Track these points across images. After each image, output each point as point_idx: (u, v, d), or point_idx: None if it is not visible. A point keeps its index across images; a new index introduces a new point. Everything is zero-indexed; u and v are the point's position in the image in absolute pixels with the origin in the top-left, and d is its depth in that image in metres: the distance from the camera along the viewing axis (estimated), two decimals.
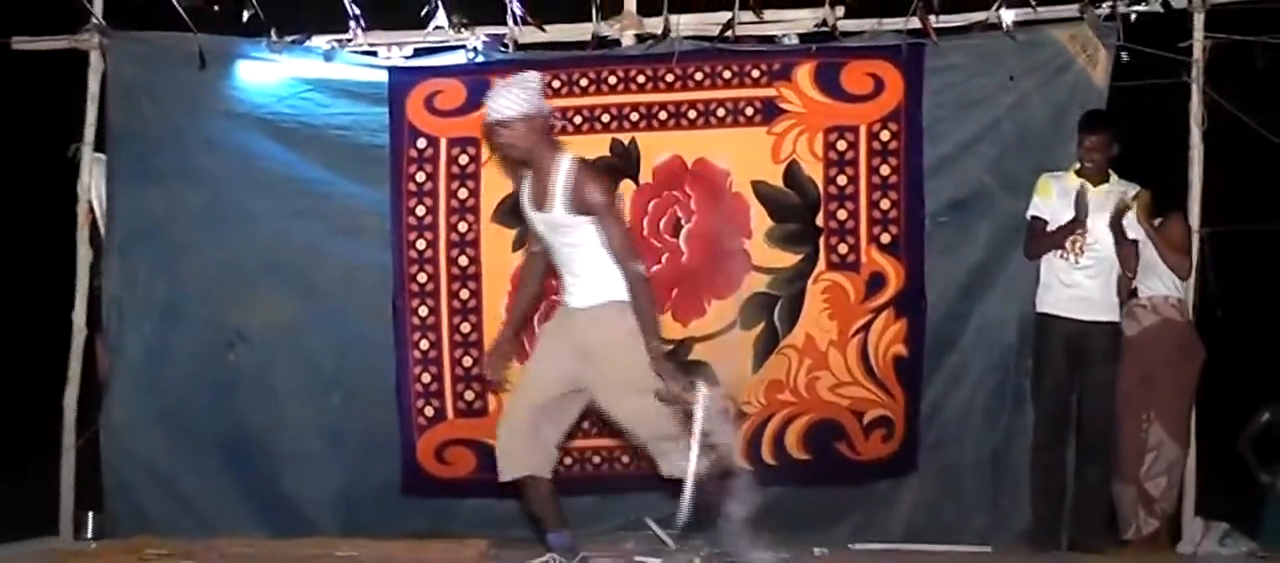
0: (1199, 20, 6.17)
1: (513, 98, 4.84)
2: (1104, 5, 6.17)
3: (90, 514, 6.48)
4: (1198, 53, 6.17)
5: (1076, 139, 6.01)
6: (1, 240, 10.03)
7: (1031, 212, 6.05)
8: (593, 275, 4.96)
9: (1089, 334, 5.94)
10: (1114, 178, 6.00)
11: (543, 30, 6.40)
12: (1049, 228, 6.00)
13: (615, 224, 4.93)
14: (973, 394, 6.28)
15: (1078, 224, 5.89)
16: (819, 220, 6.27)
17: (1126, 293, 6.05)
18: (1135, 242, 5.93)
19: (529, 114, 4.85)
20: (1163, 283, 5.98)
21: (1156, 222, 5.98)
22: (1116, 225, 5.88)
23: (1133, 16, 6.18)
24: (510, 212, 6.09)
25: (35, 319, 7.36)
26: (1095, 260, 5.93)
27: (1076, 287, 5.96)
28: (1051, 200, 6.00)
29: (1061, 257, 5.98)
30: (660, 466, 5.05)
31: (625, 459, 6.16)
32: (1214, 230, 6.16)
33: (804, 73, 6.29)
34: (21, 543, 6.11)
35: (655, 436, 5.01)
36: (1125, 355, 6.01)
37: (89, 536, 6.43)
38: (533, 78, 4.91)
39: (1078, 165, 6.02)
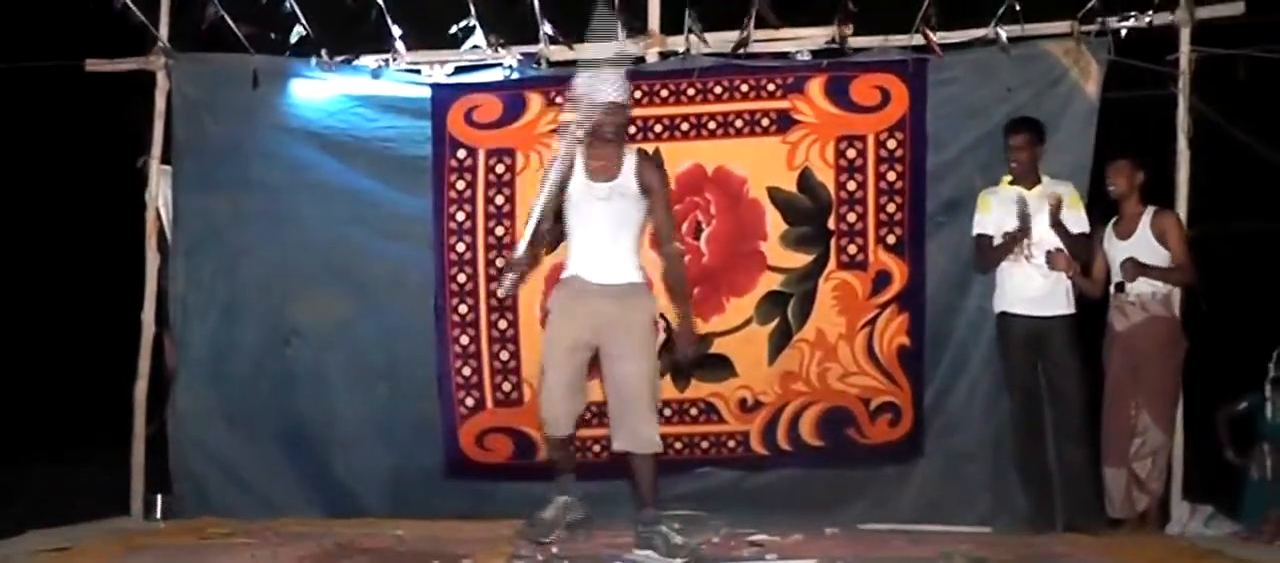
0: (1185, 35, 6.22)
1: (624, 86, 5.23)
2: (1096, 21, 6.23)
3: (159, 497, 6.61)
4: (1185, 65, 6.22)
5: (1004, 145, 6.10)
6: (77, 247, 10.19)
7: (976, 229, 6.15)
8: (624, 254, 5.27)
9: (1046, 329, 6.02)
10: (1046, 179, 6.08)
11: (572, 49, 6.50)
12: (995, 241, 6.08)
13: (668, 204, 5.37)
14: (973, 384, 6.38)
15: (1023, 233, 5.98)
16: (830, 223, 6.39)
17: (1096, 293, 6.17)
18: (1083, 234, 6.02)
19: (630, 102, 5.32)
20: (1149, 281, 6.03)
21: (1150, 214, 6.06)
22: (1057, 223, 5.95)
23: (1123, 32, 6.26)
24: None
25: (108, 319, 7.43)
26: (1044, 260, 6.01)
27: (1028, 286, 6.04)
28: (992, 214, 6.11)
29: (1013, 259, 6.05)
30: (617, 437, 5.28)
31: None
32: (1201, 231, 6.22)
33: (816, 86, 6.43)
34: (96, 523, 6.21)
35: (638, 402, 5.21)
36: (1114, 348, 6.11)
37: (158, 516, 6.56)
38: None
39: (1010, 177, 6.11)
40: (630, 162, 5.30)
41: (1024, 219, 5.97)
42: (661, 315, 5.52)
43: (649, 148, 6.39)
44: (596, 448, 6.02)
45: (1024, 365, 6.11)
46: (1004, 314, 6.14)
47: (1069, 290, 6.09)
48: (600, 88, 5.18)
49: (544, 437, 5.48)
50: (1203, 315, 6.29)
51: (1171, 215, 6.11)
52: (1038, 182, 6.09)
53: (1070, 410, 6.07)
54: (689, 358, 5.56)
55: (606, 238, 5.28)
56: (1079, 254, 6.05)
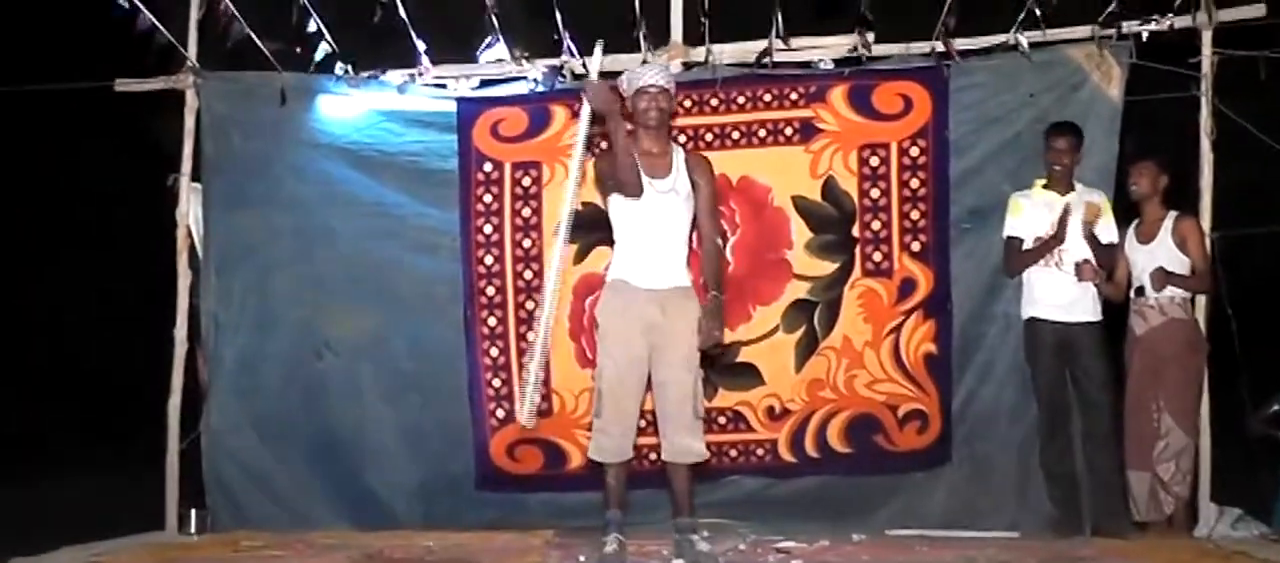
0: (1207, 37, 6.21)
1: (666, 74, 5.27)
2: (1118, 26, 6.19)
3: (193, 510, 6.58)
4: (1207, 68, 6.20)
5: (1044, 148, 6.09)
6: (109, 265, 10.25)
7: (1006, 232, 6.14)
8: (676, 256, 5.27)
9: (1075, 335, 6.01)
10: (1079, 187, 6.07)
11: (601, 56, 6.40)
12: (1025, 244, 6.07)
13: (714, 202, 5.39)
14: (1000, 390, 6.35)
15: (1058, 240, 5.97)
16: (854, 231, 6.38)
17: (1118, 297, 6.13)
18: (1112, 244, 6.02)
19: (673, 89, 5.32)
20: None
21: (1172, 219, 6.05)
22: (1090, 234, 5.95)
23: (1145, 35, 6.23)
24: (571, 227, 6.31)
25: (141, 335, 7.44)
26: (1073, 266, 6.00)
27: (1058, 292, 6.03)
28: (1023, 217, 6.10)
29: (1042, 265, 6.05)
30: (666, 446, 5.27)
31: None
32: (1224, 233, 6.18)
33: (838, 94, 6.41)
34: (132, 537, 6.24)
35: (682, 412, 5.21)
36: (1135, 352, 6.10)
37: (192, 530, 6.53)
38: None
39: (1044, 180, 6.10)
40: (680, 158, 5.32)
41: (1063, 226, 5.95)
42: None
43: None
44: (652, 456, 5.88)
45: (1052, 371, 6.08)
46: (1033, 320, 6.12)
47: (1097, 297, 6.08)
48: (642, 74, 5.23)
49: (601, 466, 5.36)
50: (1228, 319, 6.22)
51: (1193, 222, 6.09)
52: (1072, 188, 6.07)
53: (1099, 416, 6.05)
54: (715, 342, 5.33)
55: (658, 238, 5.25)
56: (1106, 263, 6.05)
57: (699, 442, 5.26)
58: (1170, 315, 6.04)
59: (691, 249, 5.40)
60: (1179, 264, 6.03)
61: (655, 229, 5.24)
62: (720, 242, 5.44)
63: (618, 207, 5.29)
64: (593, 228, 6.07)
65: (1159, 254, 6.05)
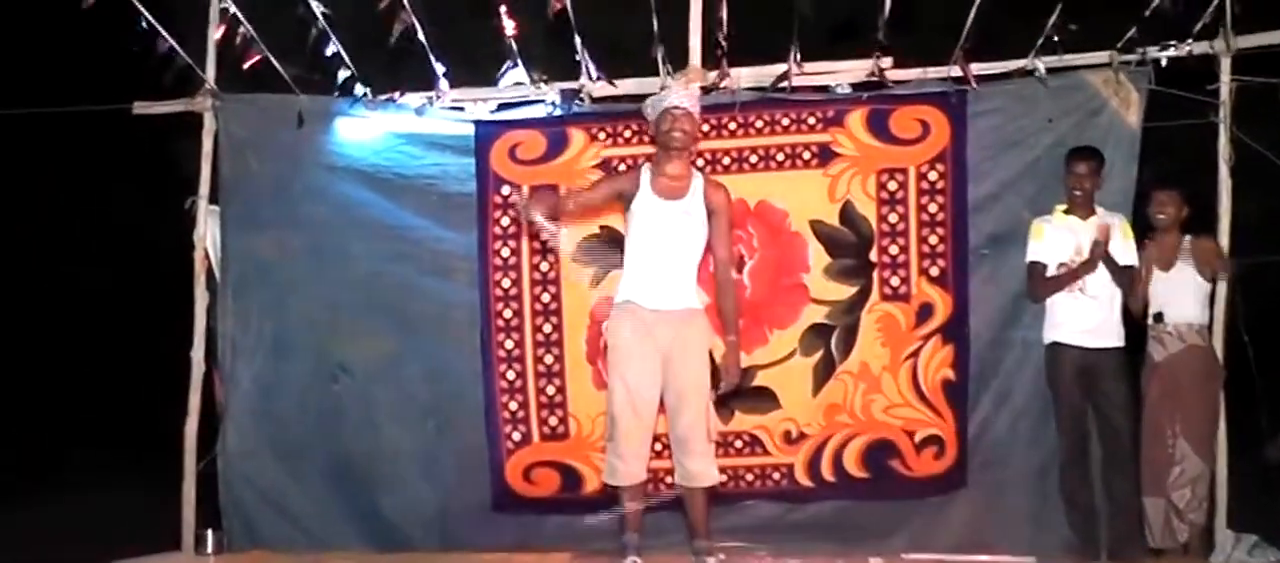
0: (1226, 64, 6.18)
1: (692, 97, 5.31)
2: (1136, 52, 6.18)
3: (209, 532, 6.60)
4: (1225, 94, 6.18)
5: (1065, 173, 6.05)
6: (127, 287, 10.26)
7: (1030, 257, 6.09)
8: (687, 278, 5.29)
9: (1097, 361, 5.96)
10: (1100, 211, 6.02)
11: (613, 85, 6.53)
12: (1048, 269, 6.03)
13: (730, 231, 5.41)
14: (1017, 415, 6.31)
15: (1090, 267, 5.91)
16: (872, 255, 6.36)
17: (1139, 311, 6.08)
18: (1130, 267, 5.97)
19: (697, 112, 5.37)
20: (1188, 310, 6.03)
21: (1188, 243, 6.04)
22: (1106, 254, 5.90)
23: (1163, 61, 6.21)
24: (587, 251, 6.30)
25: (158, 357, 7.44)
26: (1097, 291, 5.97)
27: (1081, 317, 5.99)
28: (1046, 242, 6.06)
29: (1066, 291, 6.01)
30: (679, 471, 5.29)
31: None
32: (1242, 260, 6.16)
33: (856, 119, 6.39)
34: (148, 558, 6.27)
35: (695, 436, 5.23)
36: (1152, 378, 6.07)
37: (208, 551, 6.55)
38: None
39: (1064, 205, 6.06)
40: (699, 182, 5.33)
41: (1096, 248, 5.89)
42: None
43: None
44: (668, 480, 5.83)
45: (1074, 397, 6.04)
46: (1055, 345, 6.08)
47: (1120, 322, 6.04)
48: (669, 95, 5.26)
49: (616, 490, 5.39)
50: (1244, 345, 6.20)
51: (1207, 238, 6.08)
52: (1093, 212, 6.03)
53: (1120, 442, 6.01)
54: (732, 389, 5.52)
55: (670, 259, 5.28)
56: (1122, 284, 6.00)
57: (712, 465, 5.31)
58: (1188, 342, 6.02)
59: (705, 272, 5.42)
60: (1197, 288, 6.04)
61: (666, 249, 5.28)
62: (734, 273, 5.45)
63: (632, 224, 5.32)
64: (610, 253, 6.04)
65: (1176, 280, 6.04)
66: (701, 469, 5.25)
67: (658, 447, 5.63)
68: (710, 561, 5.28)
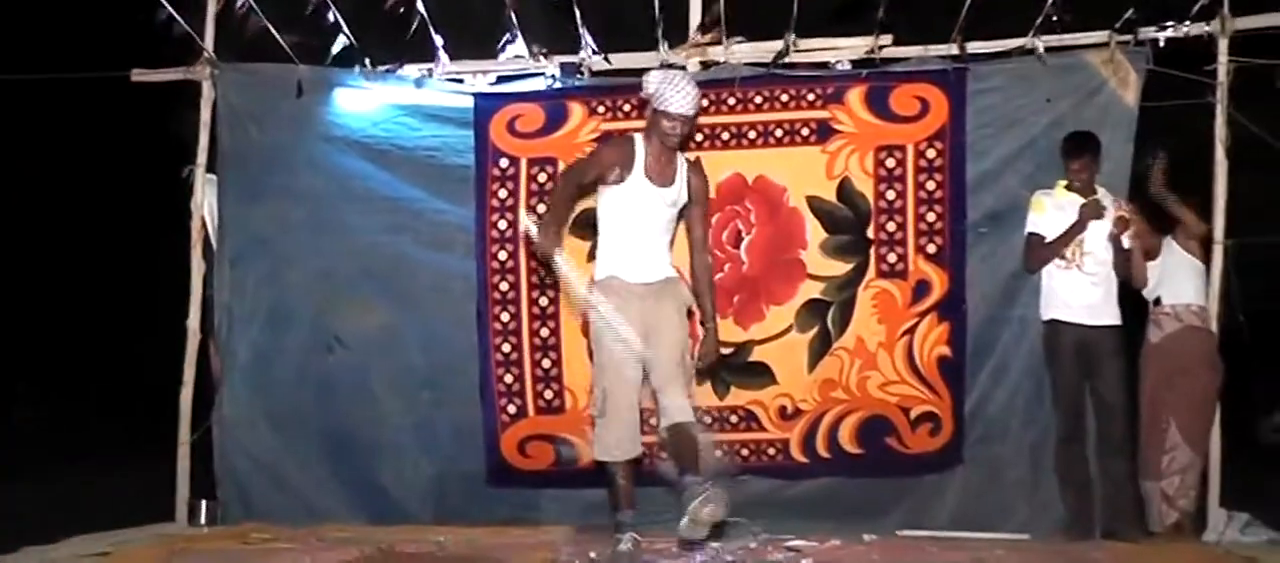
0: (1223, 45, 6.18)
1: (695, 99, 5.28)
2: (1134, 32, 6.17)
3: (203, 502, 6.56)
4: (1222, 75, 6.16)
5: (1063, 160, 6.07)
6: (123, 255, 10.21)
7: (1028, 228, 6.11)
8: (664, 251, 5.40)
9: (1095, 338, 5.98)
10: (1101, 191, 6.03)
11: (608, 61, 6.53)
12: (1047, 240, 6.04)
13: (706, 206, 5.55)
14: (1013, 393, 6.31)
15: (1079, 228, 5.93)
16: (870, 232, 6.34)
17: (1142, 283, 6.10)
18: (1129, 251, 6.00)
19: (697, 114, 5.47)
20: (1186, 291, 6.04)
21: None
22: (1115, 239, 5.95)
23: (1162, 41, 6.21)
24: (585, 224, 6.24)
25: (153, 326, 7.40)
26: (1096, 269, 5.99)
27: (1080, 294, 6.00)
28: (1046, 215, 6.07)
29: (1063, 267, 6.03)
30: (662, 417, 5.25)
31: None
32: (1238, 241, 6.15)
33: (855, 96, 6.37)
34: (142, 528, 6.22)
35: (675, 374, 5.23)
36: (1150, 361, 6.08)
37: (202, 522, 6.52)
38: None
39: (1066, 182, 6.07)
40: (683, 168, 5.39)
41: (1083, 215, 5.91)
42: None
43: (690, 158, 6.19)
44: (663, 454, 5.73)
45: (1071, 374, 6.04)
46: (1053, 322, 6.09)
47: (1117, 300, 6.05)
48: (673, 97, 5.20)
49: (610, 466, 5.34)
50: (1240, 326, 6.19)
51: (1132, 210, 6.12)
52: (1094, 194, 6.03)
53: (1115, 421, 6.01)
54: (709, 364, 5.62)
55: (653, 238, 5.36)
56: (1120, 269, 6.03)
57: (690, 409, 5.26)
58: (1186, 323, 6.03)
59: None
60: (1194, 269, 6.06)
61: (650, 229, 5.35)
62: (710, 258, 5.59)
63: (609, 200, 5.36)
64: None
65: (1172, 263, 6.08)
66: (679, 404, 5.20)
67: (651, 422, 5.60)
68: (695, 502, 4.99)
